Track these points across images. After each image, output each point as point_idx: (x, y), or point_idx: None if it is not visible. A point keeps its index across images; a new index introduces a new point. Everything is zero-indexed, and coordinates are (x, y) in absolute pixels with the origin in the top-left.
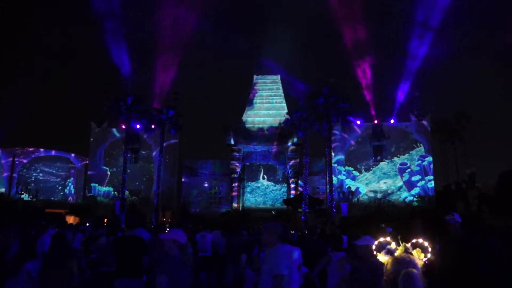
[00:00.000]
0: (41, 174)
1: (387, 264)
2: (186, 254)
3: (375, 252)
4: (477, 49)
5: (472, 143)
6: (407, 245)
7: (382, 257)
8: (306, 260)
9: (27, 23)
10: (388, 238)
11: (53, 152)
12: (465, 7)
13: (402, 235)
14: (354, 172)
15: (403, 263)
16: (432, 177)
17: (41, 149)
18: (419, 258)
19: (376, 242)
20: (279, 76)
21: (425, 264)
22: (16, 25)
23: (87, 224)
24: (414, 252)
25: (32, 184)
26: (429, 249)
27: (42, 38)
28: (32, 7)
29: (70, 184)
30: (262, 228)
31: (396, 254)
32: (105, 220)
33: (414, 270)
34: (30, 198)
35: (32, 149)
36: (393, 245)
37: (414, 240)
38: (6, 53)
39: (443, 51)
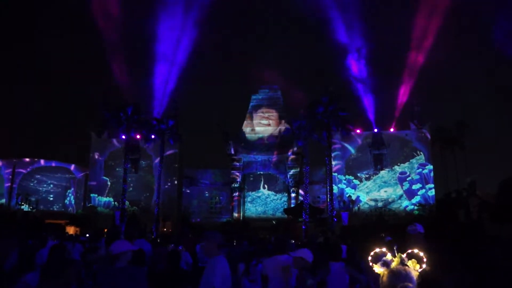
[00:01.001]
0: (41, 185)
1: (383, 276)
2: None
3: (371, 264)
4: (478, 54)
5: (472, 151)
6: (402, 255)
7: (378, 269)
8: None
9: (27, 35)
10: (384, 249)
11: (53, 163)
12: (464, 12)
13: (402, 244)
14: (354, 180)
15: (399, 276)
16: (432, 185)
17: (41, 160)
18: (415, 269)
19: (371, 253)
20: (279, 86)
21: (420, 276)
22: (15, 36)
23: (87, 235)
24: (409, 262)
25: (33, 195)
26: (424, 260)
27: (43, 49)
28: (32, 22)
29: (70, 194)
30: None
31: (392, 266)
32: (105, 230)
33: (410, 284)
34: (30, 208)
35: (32, 160)
36: (388, 256)
37: (409, 250)
38: (5, 63)
39: (442, 58)
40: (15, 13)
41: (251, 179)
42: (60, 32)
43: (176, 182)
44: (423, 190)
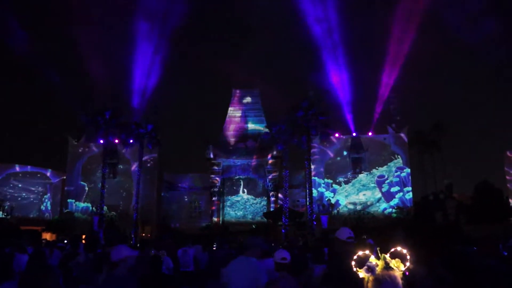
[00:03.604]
0: (16, 190)
1: (367, 282)
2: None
3: (355, 269)
4: (455, 55)
5: (448, 154)
6: (386, 256)
7: (363, 274)
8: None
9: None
10: (367, 251)
11: (28, 168)
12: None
13: (383, 247)
14: (333, 184)
15: (384, 284)
16: (410, 188)
17: (16, 165)
18: (399, 268)
19: (355, 257)
20: (258, 90)
21: (406, 278)
22: None
23: (65, 241)
24: (393, 262)
25: (7, 201)
26: (408, 257)
27: (16, 49)
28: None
29: (46, 200)
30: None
31: (377, 271)
32: (83, 236)
33: None
34: (5, 215)
35: (6, 164)
36: (372, 258)
37: (392, 249)
38: None
39: (420, 62)
40: None
41: (231, 183)
42: (36, 33)
43: (155, 186)
44: (401, 193)
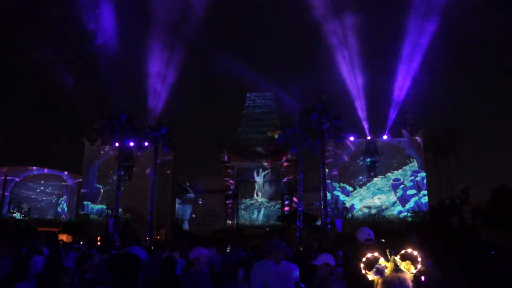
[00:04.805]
0: (34, 192)
1: (376, 285)
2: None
3: (364, 271)
4: (470, 60)
5: (464, 158)
6: (396, 258)
7: (372, 276)
8: (303, 276)
9: (17, 35)
10: (376, 253)
11: (45, 170)
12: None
13: (396, 249)
14: (348, 188)
15: (393, 287)
16: (426, 192)
17: (34, 167)
18: (409, 271)
19: (363, 259)
20: (272, 93)
21: (415, 280)
22: (5, 36)
23: (81, 243)
24: (403, 264)
25: (25, 203)
26: (419, 259)
27: (33, 54)
28: (24, 22)
29: (63, 202)
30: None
31: (386, 273)
32: (99, 238)
33: None
34: (22, 216)
35: (24, 167)
36: (382, 260)
37: (403, 251)
38: None
39: (436, 65)
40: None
41: (245, 186)
42: (53, 38)
43: (169, 189)
44: (416, 197)
